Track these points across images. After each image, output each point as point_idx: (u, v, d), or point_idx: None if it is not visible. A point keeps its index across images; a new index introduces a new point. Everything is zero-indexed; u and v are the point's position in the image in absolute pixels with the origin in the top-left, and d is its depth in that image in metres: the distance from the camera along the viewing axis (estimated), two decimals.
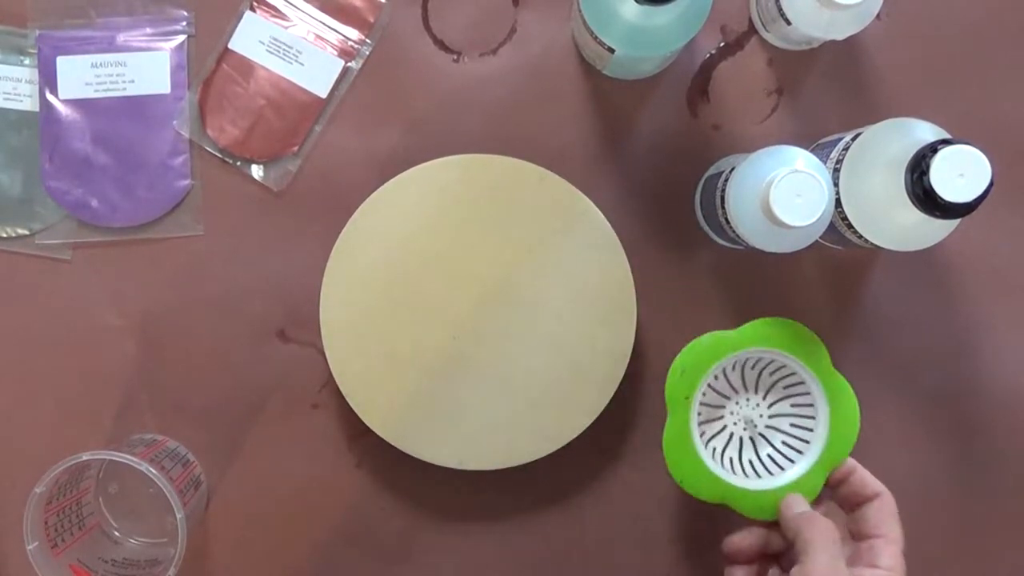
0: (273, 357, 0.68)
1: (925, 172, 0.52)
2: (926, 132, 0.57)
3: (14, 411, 0.68)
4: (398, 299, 0.65)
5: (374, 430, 0.65)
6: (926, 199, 0.53)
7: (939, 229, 0.58)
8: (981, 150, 0.52)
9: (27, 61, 0.68)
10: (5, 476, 0.68)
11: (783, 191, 0.55)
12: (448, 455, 0.65)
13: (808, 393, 0.63)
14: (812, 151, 0.66)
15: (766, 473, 0.63)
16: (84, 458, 0.58)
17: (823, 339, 0.69)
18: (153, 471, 0.58)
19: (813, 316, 0.69)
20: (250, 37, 0.68)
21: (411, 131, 0.68)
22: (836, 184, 0.59)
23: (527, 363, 0.64)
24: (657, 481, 0.69)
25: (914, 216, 0.54)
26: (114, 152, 0.68)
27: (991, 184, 0.53)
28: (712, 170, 0.67)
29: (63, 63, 0.67)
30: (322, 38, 0.68)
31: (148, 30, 0.68)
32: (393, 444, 0.65)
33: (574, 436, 0.65)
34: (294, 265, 0.68)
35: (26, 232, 0.68)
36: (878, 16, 0.61)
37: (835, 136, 0.64)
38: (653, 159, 0.69)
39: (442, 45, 0.69)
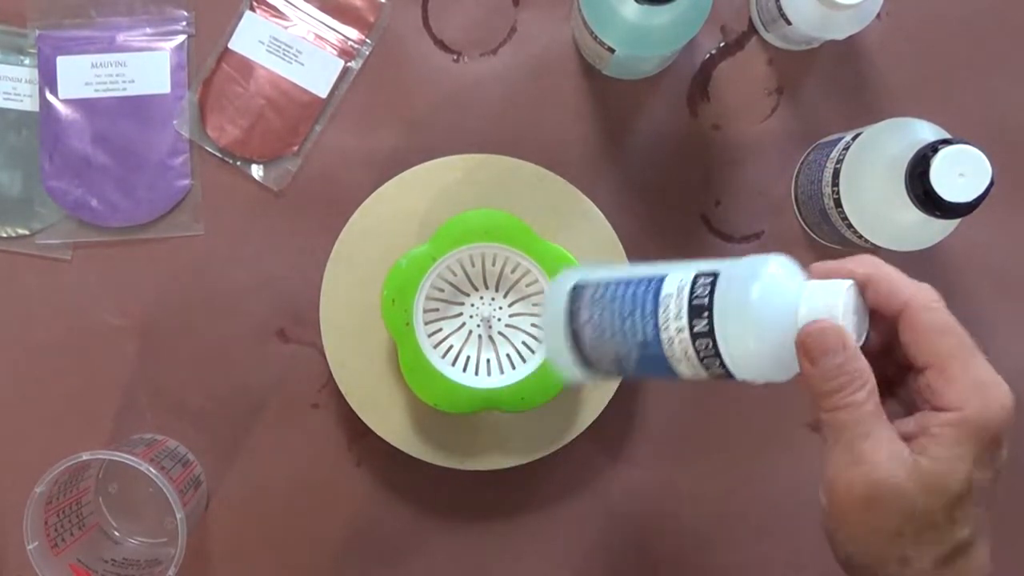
0: (273, 357, 0.68)
1: (925, 172, 0.52)
2: (926, 132, 0.57)
3: (14, 411, 0.68)
4: None
5: (374, 430, 0.65)
6: (926, 199, 0.53)
7: (939, 229, 0.58)
8: (981, 150, 0.52)
9: (27, 61, 0.68)
10: (5, 476, 0.68)
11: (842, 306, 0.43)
12: (448, 455, 0.65)
13: (537, 280, 0.62)
14: (812, 151, 0.66)
15: (510, 369, 0.62)
16: (84, 458, 0.58)
17: None
18: (153, 471, 0.58)
19: None
20: (250, 37, 0.68)
21: (411, 131, 0.68)
22: (836, 184, 0.59)
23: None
24: (658, 481, 0.69)
25: (914, 216, 0.55)
26: (114, 152, 0.68)
27: (991, 184, 0.53)
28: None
29: (63, 63, 0.67)
30: (322, 38, 0.68)
31: (148, 30, 0.68)
32: (393, 444, 0.65)
33: (574, 436, 0.65)
34: (294, 265, 0.68)
35: (26, 232, 0.68)
36: (878, 16, 0.62)
37: (835, 136, 0.64)
38: (653, 159, 0.69)
39: (442, 45, 0.69)
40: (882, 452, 0.43)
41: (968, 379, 0.44)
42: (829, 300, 0.42)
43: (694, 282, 0.42)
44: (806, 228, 0.67)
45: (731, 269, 0.42)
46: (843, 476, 0.44)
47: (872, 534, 0.44)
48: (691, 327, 0.42)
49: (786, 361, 0.43)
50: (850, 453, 0.44)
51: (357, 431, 0.67)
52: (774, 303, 0.42)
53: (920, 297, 0.45)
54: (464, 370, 0.62)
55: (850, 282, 0.43)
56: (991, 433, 0.44)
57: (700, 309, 0.42)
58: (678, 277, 0.43)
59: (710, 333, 0.42)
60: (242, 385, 0.68)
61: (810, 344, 0.43)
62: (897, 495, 0.43)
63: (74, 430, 0.68)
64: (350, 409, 0.65)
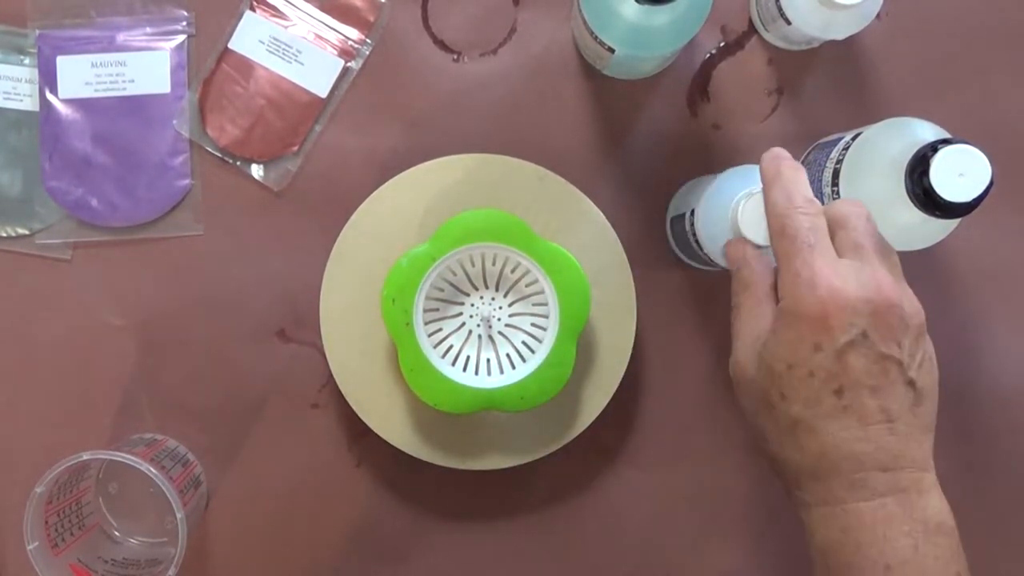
0: (273, 357, 0.68)
1: (925, 172, 0.52)
2: (926, 132, 0.57)
3: (14, 411, 0.68)
4: None
5: (374, 430, 0.65)
6: (926, 199, 0.53)
7: (939, 229, 0.58)
8: (981, 149, 0.52)
9: (27, 61, 0.68)
10: (5, 476, 0.68)
11: (750, 211, 0.55)
12: (448, 455, 0.65)
13: (537, 280, 0.62)
14: (812, 151, 0.66)
15: (510, 369, 0.62)
16: (84, 458, 0.58)
17: None
18: (153, 471, 0.58)
19: None
20: (250, 37, 0.68)
21: (411, 131, 0.68)
22: (836, 184, 0.59)
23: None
24: (657, 481, 0.69)
25: (914, 216, 0.55)
26: (114, 152, 0.68)
27: (991, 184, 0.53)
28: (673, 211, 0.67)
29: (63, 63, 0.67)
30: (322, 38, 0.68)
31: (148, 30, 0.68)
32: (393, 444, 0.65)
33: (574, 436, 0.65)
34: (294, 265, 0.68)
35: (26, 232, 0.68)
36: (878, 16, 0.62)
37: (835, 136, 0.64)
38: (653, 159, 0.69)
39: (442, 45, 0.69)
40: (744, 341, 0.52)
41: (788, 276, 0.50)
42: (732, 214, 0.55)
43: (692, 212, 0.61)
44: None
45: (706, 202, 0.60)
46: (729, 360, 0.53)
47: (745, 412, 0.52)
48: (694, 237, 0.62)
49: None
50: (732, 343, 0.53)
51: (357, 431, 0.67)
52: (717, 204, 0.58)
53: (778, 205, 0.51)
54: (464, 370, 0.62)
55: (747, 192, 0.55)
56: (808, 321, 0.48)
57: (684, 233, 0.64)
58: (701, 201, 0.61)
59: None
60: (242, 385, 0.68)
61: (727, 255, 0.56)
62: (747, 378, 0.51)
63: (74, 430, 0.68)
64: (350, 409, 0.65)
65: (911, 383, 0.49)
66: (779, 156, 0.53)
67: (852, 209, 0.51)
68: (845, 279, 0.48)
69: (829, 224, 0.51)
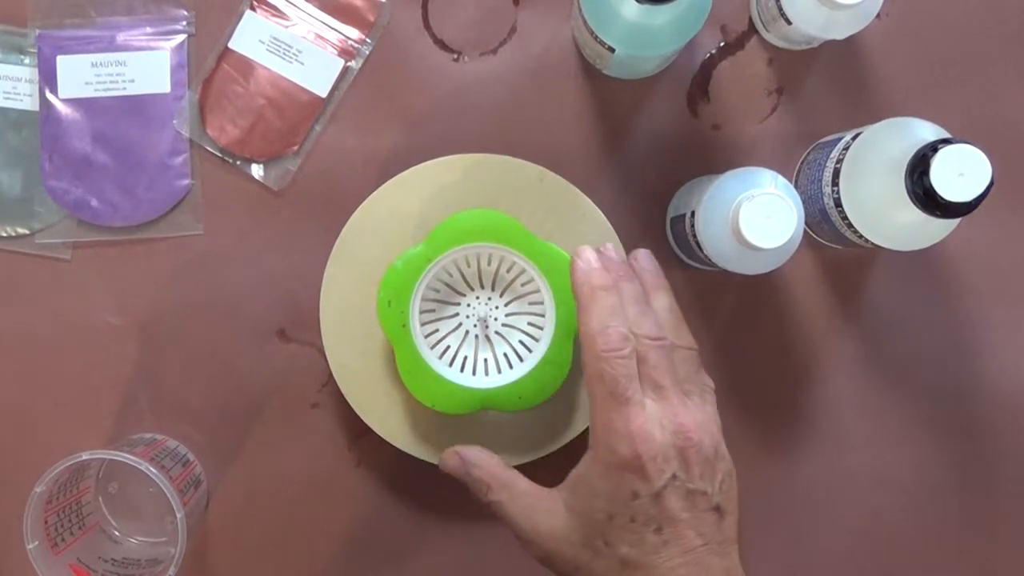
0: (273, 357, 0.68)
1: (925, 172, 0.53)
2: (926, 132, 0.57)
3: (14, 411, 0.68)
4: None
5: (374, 430, 0.65)
6: (926, 199, 0.53)
7: (939, 229, 0.58)
8: (981, 150, 0.53)
9: (27, 60, 0.68)
10: (5, 476, 0.68)
11: (751, 213, 0.56)
12: None
13: (533, 279, 0.62)
14: (812, 151, 0.66)
15: (507, 369, 0.62)
16: (84, 457, 0.58)
17: (822, 339, 0.69)
18: (153, 471, 0.58)
19: (813, 316, 0.69)
20: (250, 36, 0.68)
21: (411, 131, 0.68)
22: (836, 184, 0.59)
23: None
24: None
25: (914, 216, 0.55)
26: (114, 151, 0.68)
27: (991, 184, 0.53)
28: (673, 211, 0.67)
29: (63, 62, 0.67)
30: (322, 37, 0.68)
31: (148, 29, 0.68)
32: (393, 444, 0.65)
33: (574, 436, 0.65)
34: (294, 265, 0.68)
35: (26, 232, 0.68)
36: (878, 16, 0.62)
37: (835, 136, 0.64)
38: (653, 159, 0.69)
39: (442, 45, 0.69)
40: (535, 519, 0.56)
41: (603, 424, 0.54)
42: (732, 216, 0.58)
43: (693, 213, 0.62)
44: (806, 228, 0.68)
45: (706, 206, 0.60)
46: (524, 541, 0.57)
47: (566, 564, 0.55)
48: (694, 238, 0.62)
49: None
50: None
51: (357, 431, 0.67)
52: (717, 205, 0.59)
53: (596, 344, 0.53)
54: (461, 370, 0.62)
55: (747, 194, 0.57)
56: (625, 471, 0.53)
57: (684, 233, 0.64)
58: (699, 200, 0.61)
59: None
60: (242, 385, 0.68)
61: (446, 468, 0.59)
62: (557, 539, 0.55)
63: (74, 430, 0.68)
64: (350, 409, 0.65)
65: (716, 508, 0.54)
66: (591, 272, 0.56)
67: (652, 344, 0.54)
68: (654, 427, 0.52)
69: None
